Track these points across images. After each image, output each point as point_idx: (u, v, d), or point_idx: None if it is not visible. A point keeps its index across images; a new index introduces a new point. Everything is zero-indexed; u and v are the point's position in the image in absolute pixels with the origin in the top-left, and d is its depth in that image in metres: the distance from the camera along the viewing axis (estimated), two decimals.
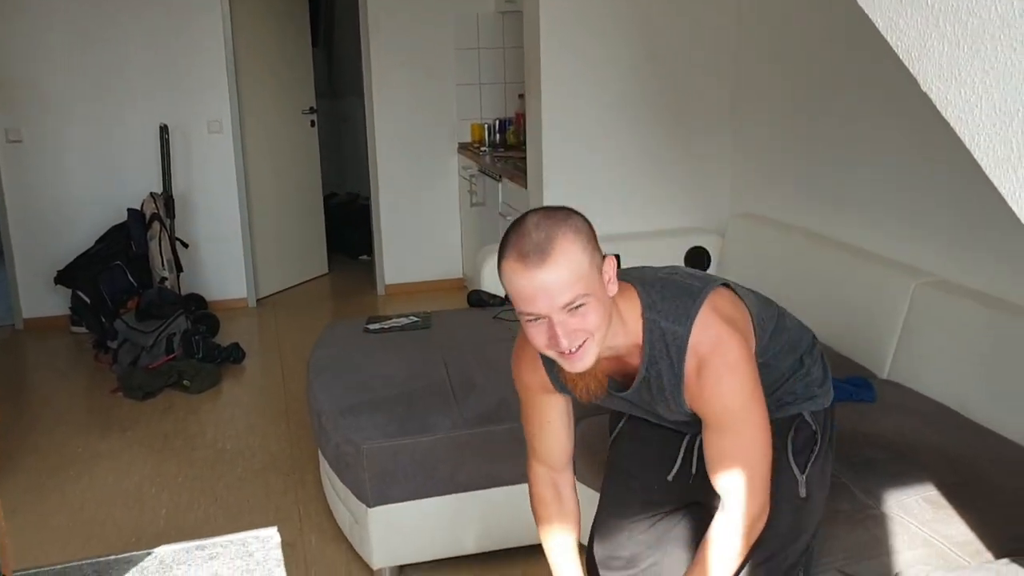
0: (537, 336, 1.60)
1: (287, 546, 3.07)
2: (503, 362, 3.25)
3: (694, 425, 1.81)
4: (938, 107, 1.20)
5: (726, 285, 1.77)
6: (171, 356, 4.69)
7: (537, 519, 2.00)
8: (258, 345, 5.36)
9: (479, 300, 4.09)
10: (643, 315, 1.68)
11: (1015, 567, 1.78)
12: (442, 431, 2.80)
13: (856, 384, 2.82)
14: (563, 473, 1.96)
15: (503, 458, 2.79)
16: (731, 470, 1.69)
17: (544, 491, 1.97)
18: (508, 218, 4.96)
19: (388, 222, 6.19)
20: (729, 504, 1.71)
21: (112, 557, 1.02)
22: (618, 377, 1.78)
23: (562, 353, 1.60)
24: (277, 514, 3.32)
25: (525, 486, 2.75)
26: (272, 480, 3.60)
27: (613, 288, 1.63)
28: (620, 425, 2.13)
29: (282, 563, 1.00)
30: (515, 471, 2.78)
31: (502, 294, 4.11)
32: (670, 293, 1.69)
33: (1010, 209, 1.13)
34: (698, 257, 4.27)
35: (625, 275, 1.76)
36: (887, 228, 3.33)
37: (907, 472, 2.30)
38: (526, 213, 1.62)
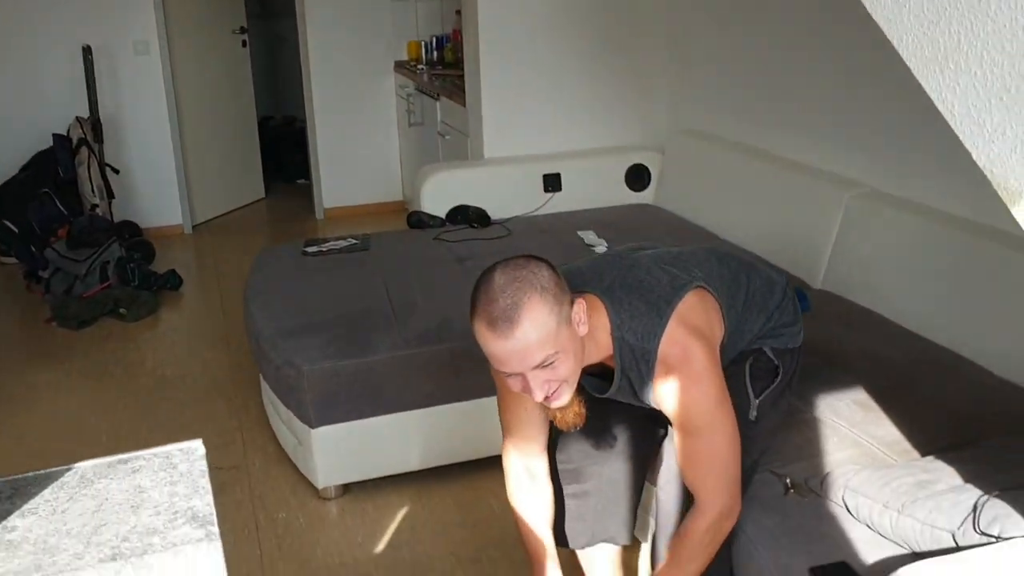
0: (512, 385, 1.69)
1: (232, 469, 3.09)
2: (444, 283, 3.26)
3: None
4: (868, 9, 1.20)
5: (700, 284, 1.81)
6: (106, 284, 4.60)
7: (512, 502, 2.05)
8: (195, 271, 5.27)
9: (419, 221, 4.05)
10: (612, 334, 1.75)
11: (939, 463, 1.85)
12: (383, 352, 2.79)
13: None
14: (539, 458, 2.01)
15: (444, 377, 2.80)
16: (699, 470, 1.80)
17: (520, 476, 2.02)
18: (447, 137, 4.89)
19: (325, 144, 6.07)
20: (699, 502, 1.81)
21: (31, 474, 0.99)
22: (596, 369, 1.84)
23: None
24: (221, 439, 3.30)
25: (466, 403, 2.81)
26: (214, 406, 3.58)
27: (584, 329, 1.70)
28: None
29: (207, 474, 0.99)
30: (456, 389, 2.81)
31: (442, 215, 4.08)
32: (639, 310, 1.74)
33: (942, 119, 1.14)
34: (638, 174, 4.28)
35: (597, 278, 1.80)
36: (822, 141, 3.36)
37: (839, 377, 2.37)
38: (492, 269, 1.64)
